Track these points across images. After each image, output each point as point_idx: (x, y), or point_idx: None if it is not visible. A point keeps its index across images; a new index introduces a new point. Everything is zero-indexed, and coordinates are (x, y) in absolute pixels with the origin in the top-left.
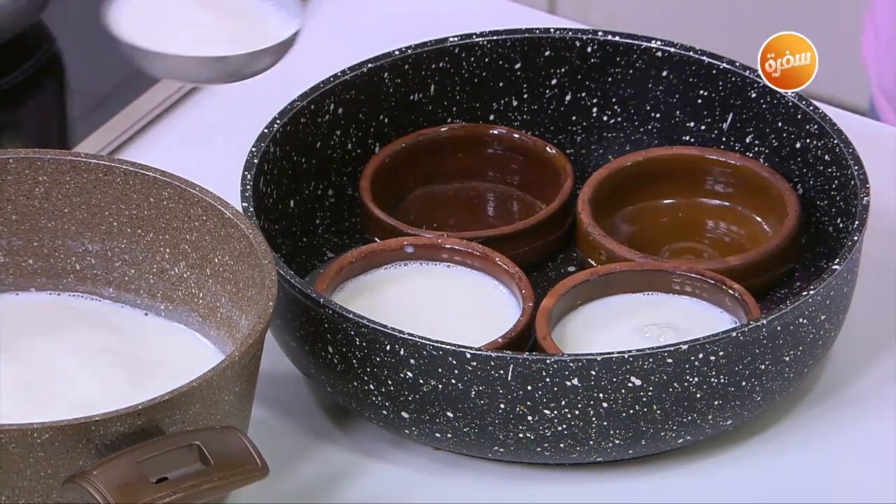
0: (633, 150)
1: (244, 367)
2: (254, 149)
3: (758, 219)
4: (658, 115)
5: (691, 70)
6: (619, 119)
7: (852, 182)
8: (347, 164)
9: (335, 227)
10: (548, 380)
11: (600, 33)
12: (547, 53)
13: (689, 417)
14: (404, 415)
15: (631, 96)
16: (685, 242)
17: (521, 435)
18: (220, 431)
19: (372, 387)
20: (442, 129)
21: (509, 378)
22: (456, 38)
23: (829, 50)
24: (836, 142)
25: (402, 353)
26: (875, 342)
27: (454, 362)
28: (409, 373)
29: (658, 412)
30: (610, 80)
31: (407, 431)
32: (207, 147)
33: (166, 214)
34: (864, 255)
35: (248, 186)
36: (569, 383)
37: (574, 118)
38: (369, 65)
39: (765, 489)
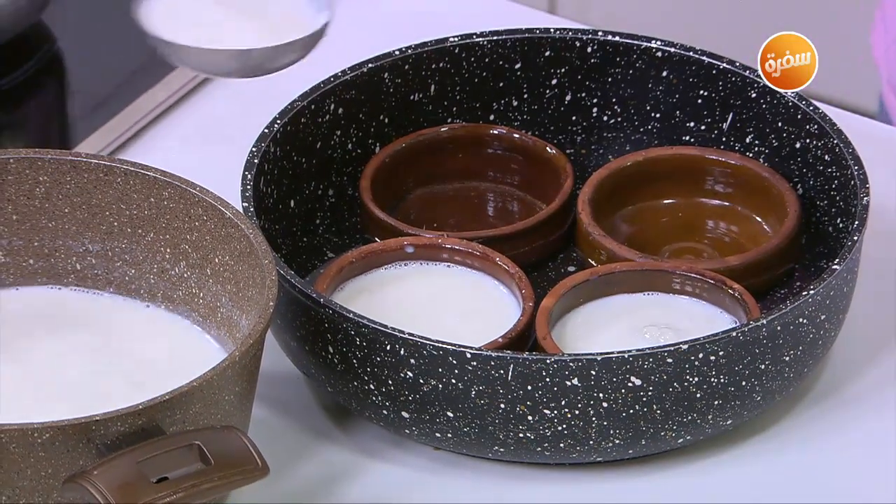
0: (633, 150)
1: (244, 367)
2: (254, 149)
3: (758, 219)
4: (658, 115)
5: (691, 70)
6: (619, 119)
7: (852, 182)
8: (348, 164)
9: (335, 227)
10: (548, 380)
11: (600, 33)
12: (547, 53)
13: (689, 417)
14: (404, 414)
15: (631, 96)
16: (685, 242)
17: (521, 435)
18: (221, 431)
19: (372, 386)
20: (442, 129)
21: (509, 378)
22: (456, 38)
23: (830, 50)
24: (835, 142)
25: (402, 352)
26: (875, 342)
27: (454, 362)
28: (409, 372)
29: (658, 412)
30: (610, 80)
31: (407, 431)
32: (208, 147)
33: (167, 214)
34: (864, 255)
35: (249, 186)
36: (569, 383)
37: (574, 118)
38: (369, 65)
39: (765, 489)
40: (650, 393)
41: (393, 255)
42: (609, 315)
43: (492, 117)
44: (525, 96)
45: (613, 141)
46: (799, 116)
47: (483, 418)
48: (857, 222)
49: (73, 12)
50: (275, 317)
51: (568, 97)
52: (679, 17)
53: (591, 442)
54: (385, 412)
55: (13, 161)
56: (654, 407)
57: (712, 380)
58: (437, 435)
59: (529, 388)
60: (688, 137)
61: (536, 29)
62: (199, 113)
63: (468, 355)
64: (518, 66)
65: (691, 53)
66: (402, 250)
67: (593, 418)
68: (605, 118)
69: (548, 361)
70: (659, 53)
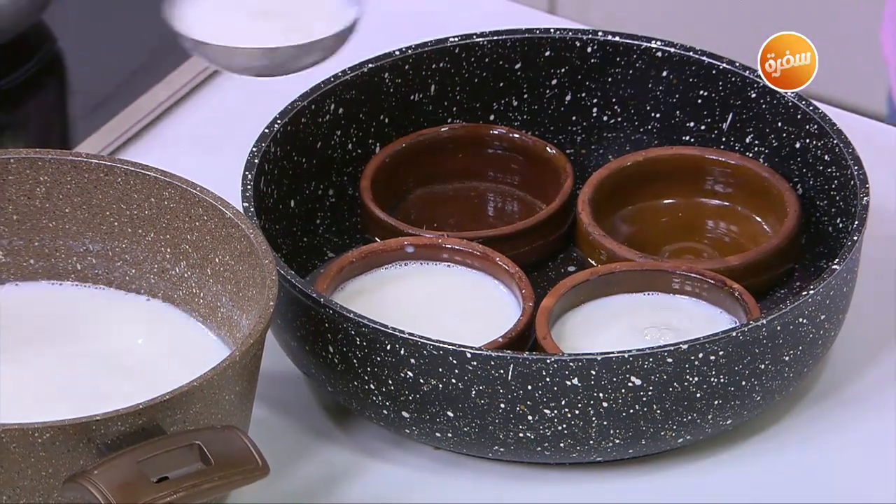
0: (633, 150)
1: (245, 367)
2: (254, 149)
3: (757, 219)
4: (658, 115)
5: (691, 70)
6: (619, 119)
7: (852, 182)
8: (348, 164)
9: (336, 226)
10: (548, 379)
11: (600, 33)
12: (547, 53)
13: (689, 417)
14: (405, 414)
15: (631, 96)
16: (685, 242)
17: (521, 434)
18: (221, 431)
19: (372, 386)
20: (442, 129)
21: (509, 378)
22: (456, 39)
23: (830, 50)
24: (835, 142)
25: (402, 352)
26: (875, 342)
27: (454, 362)
28: (409, 372)
29: (658, 412)
30: (610, 80)
31: (407, 431)
32: (208, 147)
33: (167, 214)
34: (864, 255)
35: (249, 186)
36: (569, 383)
37: (574, 118)
38: (369, 65)
39: (765, 489)
40: (650, 393)
41: (393, 255)
42: (609, 315)
43: (492, 117)
44: (525, 96)
45: (613, 141)
46: (799, 116)
47: (483, 418)
48: (856, 222)
49: (73, 12)
50: (275, 317)
51: (568, 97)
52: (679, 17)
53: (591, 442)
54: (385, 412)
55: (14, 161)
56: (654, 407)
57: (712, 380)
58: (438, 435)
59: (529, 387)
60: (688, 137)
61: (536, 29)
62: (199, 113)
63: (468, 355)
64: (518, 66)
65: (691, 53)
66: (402, 250)
67: (593, 418)
68: (605, 118)
69: (548, 361)
70: (659, 53)
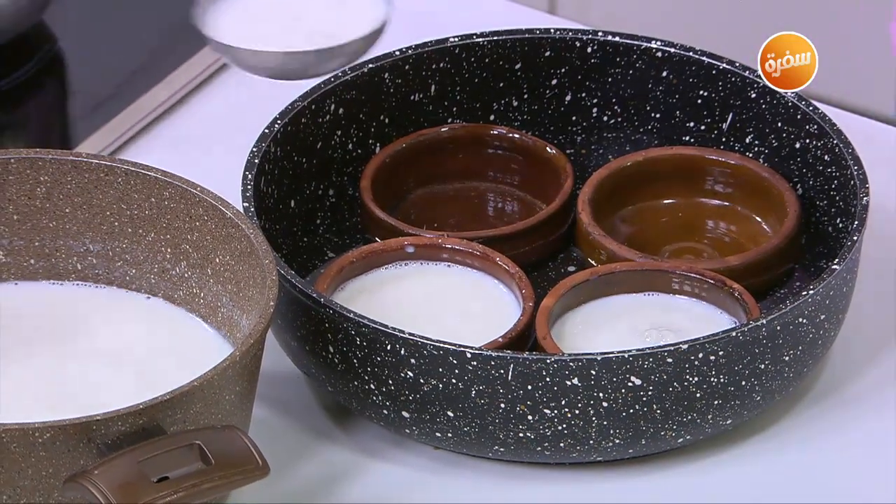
0: (633, 150)
1: (245, 367)
2: (255, 149)
3: (757, 219)
4: (658, 115)
5: (691, 70)
6: (619, 119)
7: (852, 182)
8: (348, 164)
9: (336, 227)
10: (548, 379)
11: (600, 34)
12: (547, 54)
13: (689, 417)
14: (405, 414)
15: (631, 96)
16: (685, 242)
17: (521, 434)
18: (221, 431)
19: (373, 386)
20: (442, 130)
21: (509, 377)
22: (456, 39)
23: (830, 50)
24: (835, 142)
25: (402, 352)
26: (875, 342)
27: (455, 362)
28: (409, 372)
29: (658, 412)
30: (610, 80)
31: (407, 431)
32: (208, 147)
33: (167, 214)
34: (864, 255)
35: (249, 186)
36: (569, 383)
37: (574, 118)
38: (370, 65)
39: (765, 489)
40: (650, 393)
41: (393, 255)
42: (609, 315)
43: (492, 117)
44: (525, 96)
45: (613, 141)
46: (799, 116)
47: (483, 418)
48: (856, 222)
49: (74, 12)
50: (275, 317)
51: (568, 97)
52: (679, 17)
53: (592, 441)
54: (385, 412)
55: (14, 161)
56: (654, 407)
57: (712, 380)
58: (438, 435)
59: (529, 387)
60: (688, 137)
61: (537, 29)
62: (199, 113)
63: (468, 355)
64: (518, 66)
65: (691, 53)
66: (402, 250)
67: (593, 418)
68: (605, 118)
69: (548, 361)
70: (659, 53)
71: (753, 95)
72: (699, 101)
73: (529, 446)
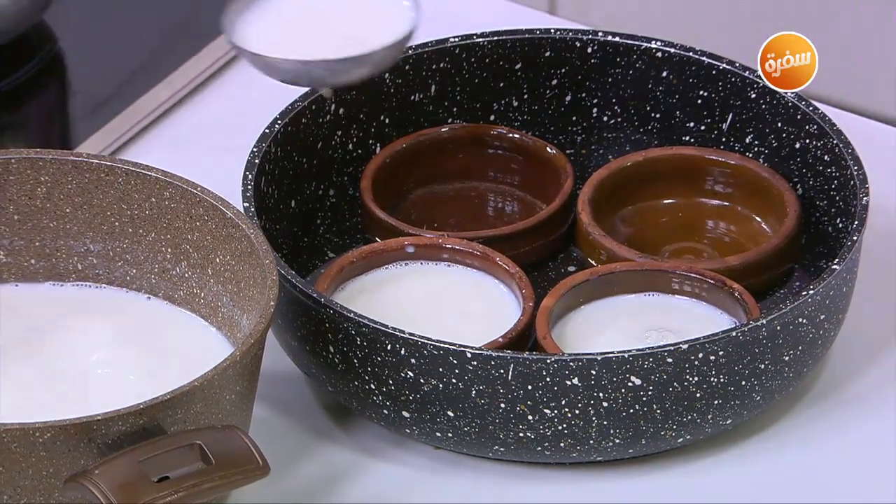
0: (633, 150)
1: (245, 367)
2: (255, 149)
3: (757, 219)
4: (658, 116)
5: (691, 70)
6: (619, 119)
7: (852, 182)
8: (348, 164)
9: (336, 227)
10: (548, 379)
11: (600, 34)
12: (547, 54)
13: (689, 417)
14: (405, 414)
15: (631, 96)
16: (685, 242)
17: (521, 434)
18: (222, 431)
19: (373, 386)
20: (442, 130)
21: (510, 377)
22: (456, 39)
23: (830, 50)
24: (835, 142)
25: (402, 352)
26: (875, 342)
27: (455, 362)
28: (409, 372)
29: (658, 411)
30: (610, 80)
31: (408, 431)
32: (209, 147)
33: (168, 214)
34: (864, 255)
35: (250, 186)
36: (569, 383)
37: (574, 118)
38: None
39: (764, 488)
40: (650, 393)
41: (393, 255)
42: (609, 315)
43: (492, 117)
44: (525, 96)
45: (613, 141)
46: (799, 117)
47: (483, 418)
48: (856, 222)
49: (74, 12)
50: (276, 316)
51: (568, 97)
52: (679, 17)
53: (592, 441)
54: (386, 412)
55: (15, 161)
56: (654, 406)
57: (712, 379)
58: (438, 434)
59: (530, 387)
60: (688, 137)
61: (537, 29)
62: (200, 113)
63: (468, 355)
64: (518, 66)
65: (691, 54)
66: (402, 250)
67: (593, 418)
68: (605, 118)
69: (548, 361)
70: (659, 54)
71: (753, 95)
72: (699, 101)
73: (529, 446)
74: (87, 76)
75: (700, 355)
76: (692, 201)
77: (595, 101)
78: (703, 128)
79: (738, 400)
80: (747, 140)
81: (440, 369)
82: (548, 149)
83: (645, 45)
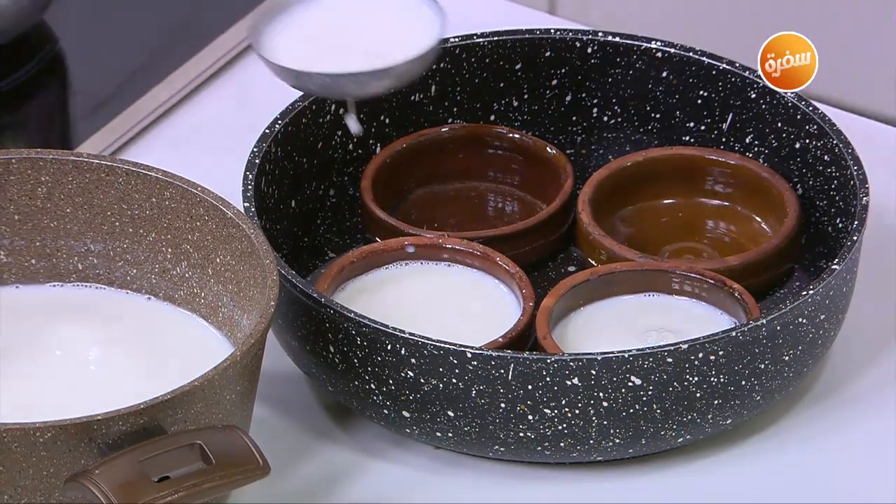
0: (633, 150)
1: (246, 367)
2: (255, 149)
3: (757, 219)
4: (658, 116)
5: (691, 70)
6: (619, 119)
7: (851, 182)
8: (348, 164)
9: (336, 227)
10: (548, 379)
11: (600, 34)
12: (547, 54)
13: (689, 417)
14: (405, 414)
15: (631, 97)
16: (685, 242)
17: (521, 434)
18: (222, 430)
19: (373, 386)
20: (443, 130)
21: (510, 377)
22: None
23: (830, 50)
24: (835, 142)
25: (403, 352)
26: (875, 342)
27: (455, 362)
28: (410, 372)
29: (658, 411)
30: (610, 80)
31: (408, 430)
32: (209, 147)
33: (168, 214)
34: (864, 255)
35: (250, 186)
36: (569, 382)
37: (574, 118)
38: None
39: (764, 488)
40: (650, 392)
41: (394, 255)
42: (609, 316)
43: (492, 117)
44: (525, 96)
45: (613, 141)
46: (798, 117)
47: (483, 418)
48: (856, 222)
49: (74, 12)
50: (276, 316)
51: (568, 97)
52: (679, 17)
53: (592, 441)
54: (386, 412)
55: (15, 161)
56: (654, 406)
57: (712, 379)
58: (438, 434)
59: (530, 387)
60: (688, 137)
61: (537, 29)
62: (200, 113)
63: (469, 355)
64: (518, 66)
65: (691, 54)
66: (402, 250)
67: (593, 418)
68: (605, 118)
69: (548, 361)
70: (659, 54)
71: (753, 95)
72: (699, 101)
73: (529, 446)
74: (88, 76)
75: (700, 355)
76: (692, 201)
77: (595, 101)
78: (703, 128)
79: (738, 400)
80: (747, 140)
81: (440, 369)
82: (548, 149)
83: (645, 45)
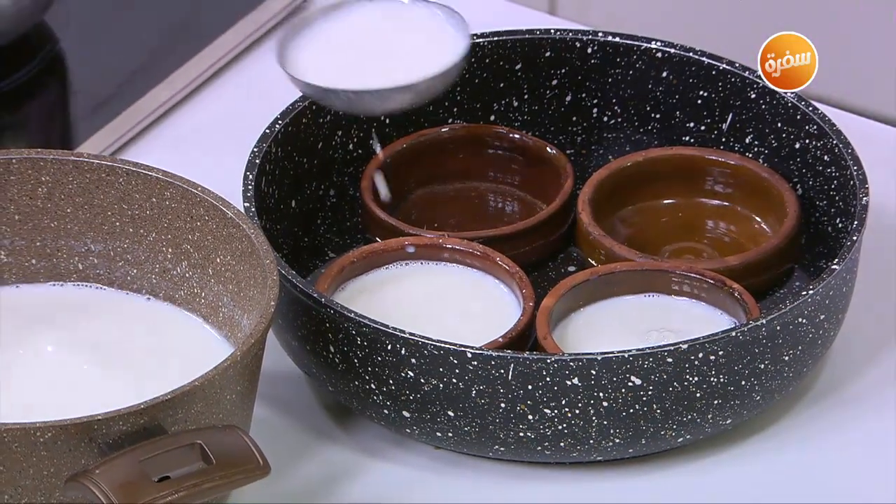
0: (633, 150)
1: (246, 367)
2: (256, 149)
3: (757, 219)
4: (658, 116)
5: (691, 70)
6: (619, 119)
7: (851, 182)
8: (349, 164)
9: (336, 227)
10: (548, 379)
11: (600, 34)
12: (547, 54)
13: (689, 416)
14: (405, 414)
15: (631, 97)
16: (685, 242)
17: (521, 434)
18: (222, 430)
19: (373, 386)
20: (443, 130)
21: (510, 377)
22: None
23: (830, 50)
24: (835, 142)
25: (403, 352)
26: (875, 342)
27: (455, 362)
28: (410, 372)
29: (658, 411)
30: (610, 80)
31: (408, 430)
32: (209, 147)
33: (168, 214)
34: (864, 255)
35: (250, 186)
36: (569, 382)
37: (574, 118)
38: None
39: (764, 488)
40: (650, 392)
41: (394, 255)
42: (609, 316)
43: (492, 118)
44: (525, 97)
45: (613, 141)
46: (798, 117)
47: (484, 417)
48: (856, 222)
49: (75, 13)
50: (276, 316)
51: (568, 97)
52: (679, 17)
53: (592, 441)
54: (386, 411)
55: (15, 161)
56: (654, 406)
57: (712, 379)
58: (438, 434)
59: (530, 387)
60: (687, 138)
61: (537, 30)
62: (200, 113)
63: (469, 355)
64: (518, 66)
65: (691, 54)
66: (402, 250)
67: (593, 417)
68: (605, 118)
69: (548, 361)
70: (659, 54)
71: (753, 96)
72: (699, 101)
73: (530, 446)
74: (88, 76)
75: (700, 355)
76: (692, 201)
77: (595, 101)
78: (703, 128)
79: (738, 400)
80: (747, 140)
81: (440, 369)
82: (548, 149)
83: (645, 45)
